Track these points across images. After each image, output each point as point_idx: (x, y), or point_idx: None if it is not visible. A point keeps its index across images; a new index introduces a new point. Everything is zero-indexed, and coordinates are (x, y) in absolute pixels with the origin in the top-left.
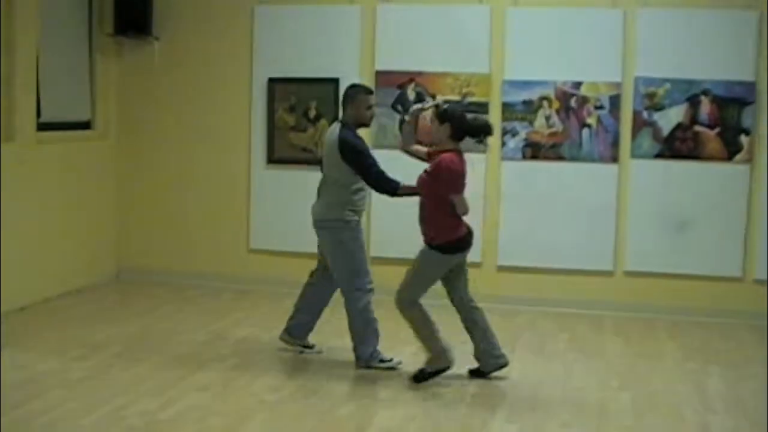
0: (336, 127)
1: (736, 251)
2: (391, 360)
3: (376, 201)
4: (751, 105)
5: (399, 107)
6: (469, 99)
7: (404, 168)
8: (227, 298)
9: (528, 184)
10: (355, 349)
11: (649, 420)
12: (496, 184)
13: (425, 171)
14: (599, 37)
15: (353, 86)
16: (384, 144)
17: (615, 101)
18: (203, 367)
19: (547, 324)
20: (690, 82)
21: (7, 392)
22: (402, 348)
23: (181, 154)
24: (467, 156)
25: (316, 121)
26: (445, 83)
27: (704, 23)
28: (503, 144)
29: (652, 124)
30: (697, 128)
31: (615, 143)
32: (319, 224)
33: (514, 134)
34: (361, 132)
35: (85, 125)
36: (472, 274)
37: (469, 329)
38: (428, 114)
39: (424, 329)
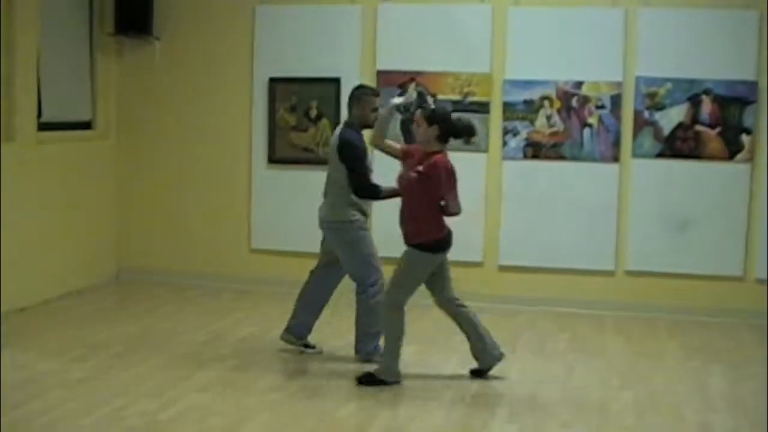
0: (340, 127)
1: (737, 251)
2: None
3: (380, 201)
4: (752, 104)
5: (400, 107)
6: (470, 99)
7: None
8: (228, 298)
9: (529, 184)
10: (358, 342)
11: (650, 419)
12: (497, 183)
13: (417, 171)
14: (600, 36)
15: (359, 87)
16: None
17: (616, 101)
18: (203, 367)
19: (548, 323)
20: (691, 82)
21: (8, 392)
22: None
23: (181, 154)
24: (463, 155)
25: (317, 120)
26: (446, 83)
27: (705, 23)
28: (504, 143)
29: (653, 124)
30: (698, 128)
31: (616, 143)
32: (326, 225)
33: (515, 134)
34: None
35: (86, 125)
36: (472, 273)
37: (462, 328)
38: None
39: (394, 339)
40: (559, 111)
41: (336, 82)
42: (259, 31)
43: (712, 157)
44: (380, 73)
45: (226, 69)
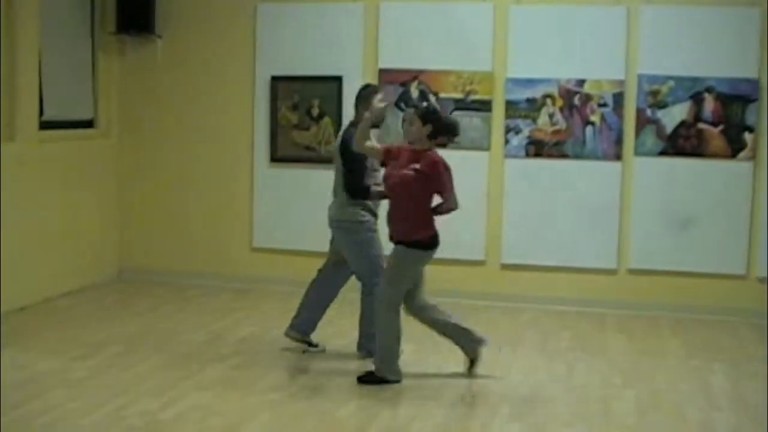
0: (344, 127)
1: (739, 249)
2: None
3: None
4: (755, 102)
5: (402, 105)
6: (473, 97)
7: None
8: (229, 298)
9: (531, 182)
10: (361, 338)
11: (653, 418)
12: (499, 182)
13: (414, 170)
14: (602, 34)
15: (367, 87)
16: (387, 142)
17: (618, 99)
18: (204, 366)
19: (550, 322)
20: (694, 80)
21: (8, 392)
22: (409, 344)
23: (183, 152)
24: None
25: (319, 119)
26: (448, 81)
27: (708, 20)
28: (507, 142)
29: (655, 122)
30: (701, 126)
31: (618, 141)
32: (335, 224)
33: (518, 132)
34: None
35: (88, 124)
36: (475, 272)
37: (440, 330)
38: None
39: (393, 338)
40: (561, 109)
41: (338, 80)
42: (261, 30)
43: (714, 156)
44: (382, 72)
45: (227, 67)
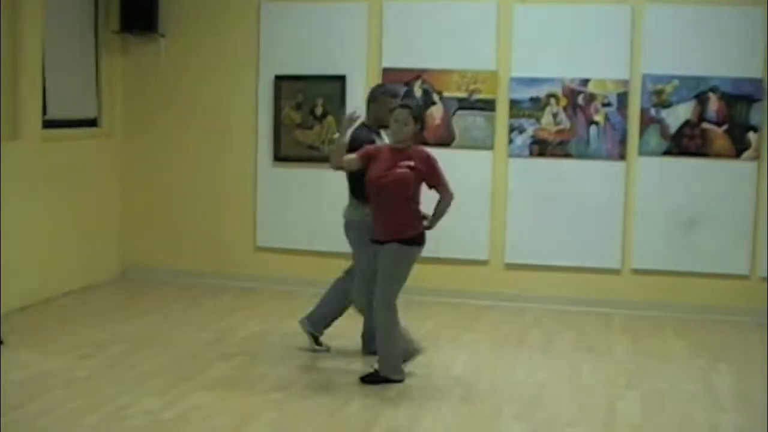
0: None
1: (743, 249)
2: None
3: None
4: (759, 102)
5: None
6: (476, 96)
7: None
8: (233, 297)
9: (535, 182)
10: (365, 339)
11: (657, 418)
12: (503, 181)
13: (409, 167)
14: (607, 33)
15: (379, 87)
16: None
17: (622, 98)
18: (208, 366)
19: (554, 322)
20: (698, 79)
21: (10, 391)
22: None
23: (187, 151)
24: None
25: (323, 118)
26: (451, 80)
27: (712, 20)
28: (510, 141)
29: (659, 122)
30: (705, 125)
31: (622, 140)
32: (345, 224)
33: (521, 131)
34: None
35: (91, 123)
36: (478, 272)
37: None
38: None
39: (393, 337)
40: (565, 108)
41: (341, 79)
42: (265, 29)
43: (718, 155)
44: (386, 71)
45: (231, 66)
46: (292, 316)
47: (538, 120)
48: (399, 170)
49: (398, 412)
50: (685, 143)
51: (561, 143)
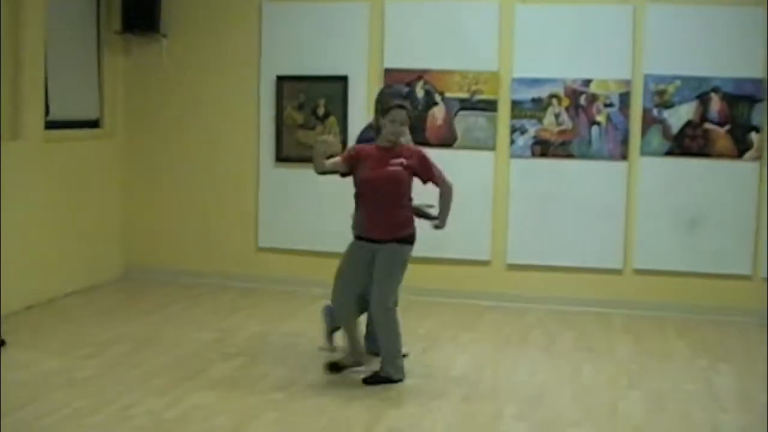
0: (363, 129)
1: (745, 249)
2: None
3: None
4: (761, 102)
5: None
6: (478, 97)
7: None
8: (234, 297)
9: (537, 182)
10: (369, 337)
11: (659, 419)
12: (504, 181)
13: (402, 166)
14: (608, 34)
15: (388, 88)
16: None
17: (624, 99)
18: (210, 365)
19: (556, 322)
20: (700, 80)
21: (13, 391)
22: (415, 344)
23: (189, 152)
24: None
25: (325, 118)
26: (453, 81)
27: (714, 20)
28: (512, 142)
29: (661, 122)
30: (707, 126)
31: (624, 141)
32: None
33: (523, 132)
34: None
35: (93, 123)
36: (480, 272)
37: (353, 328)
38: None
39: (394, 336)
40: (567, 109)
41: (343, 80)
42: (266, 29)
43: (720, 156)
44: (387, 71)
45: (232, 67)
46: (293, 316)
47: (540, 120)
48: (392, 168)
49: (399, 412)
50: (687, 143)
51: (563, 144)
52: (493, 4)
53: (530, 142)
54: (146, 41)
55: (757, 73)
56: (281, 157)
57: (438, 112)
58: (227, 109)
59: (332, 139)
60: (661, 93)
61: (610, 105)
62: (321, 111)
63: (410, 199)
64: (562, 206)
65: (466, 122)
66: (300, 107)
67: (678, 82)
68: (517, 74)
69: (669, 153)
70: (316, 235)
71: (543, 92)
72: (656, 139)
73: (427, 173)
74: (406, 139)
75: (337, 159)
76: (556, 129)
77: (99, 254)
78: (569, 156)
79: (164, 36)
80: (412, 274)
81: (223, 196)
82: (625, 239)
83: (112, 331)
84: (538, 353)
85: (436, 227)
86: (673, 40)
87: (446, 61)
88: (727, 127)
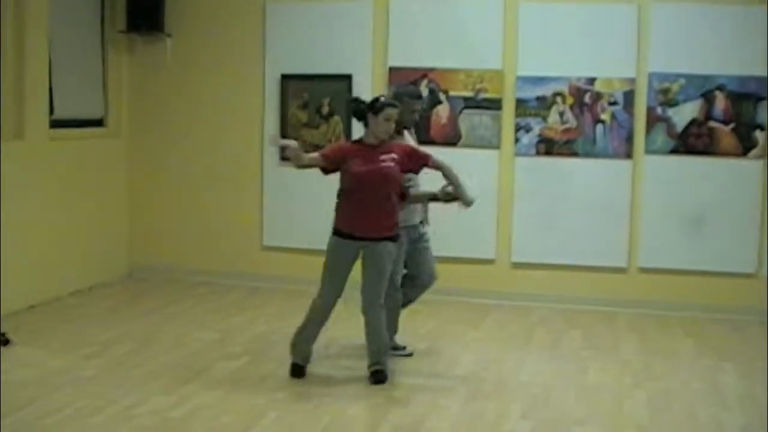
0: None
1: (750, 247)
2: (404, 348)
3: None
4: (766, 100)
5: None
6: (482, 95)
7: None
8: (239, 296)
9: (541, 181)
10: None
11: (664, 417)
12: (509, 180)
13: (393, 161)
14: (613, 32)
15: (401, 88)
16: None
17: (629, 97)
18: (215, 365)
19: (561, 321)
20: (705, 78)
21: (15, 391)
22: (419, 343)
23: (193, 151)
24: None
25: (329, 117)
26: (457, 79)
27: (719, 18)
28: (517, 140)
29: (666, 120)
30: (712, 124)
31: (629, 139)
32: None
33: (528, 130)
34: None
35: (98, 123)
36: (485, 270)
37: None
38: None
39: (385, 331)
40: (571, 107)
41: (348, 78)
42: (270, 28)
43: (725, 154)
44: (392, 70)
45: (237, 66)
46: (298, 316)
47: (544, 119)
48: (385, 165)
49: (404, 411)
50: (691, 142)
51: (567, 142)
52: (497, 3)
53: (535, 140)
54: (150, 41)
55: (762, 71)
56: (286, 156)
57: (442, 111)
58: (232, 108)
59: (285, 142)
60: (665, 91)
61: (615, 103)
62: (325, 110)
63: (398, 197)
64: (567, 204)
65: (470, 121)
66: (304, 106)
67: (682, 81)
68: (521, 73)
69: (673, 151)
70: (321, 233)
71: (547, 90)
72: (661, 138)
73: (421, 160)
74: (412, 138)
75: (315, 154)
76: (561, 127)
77: (103, 253)
78: (574, 154)
79: (168, 35)
80: None
81: (227, 194)
82: (629, 238)
83: (116, 331)
84: (543, 352)
85: (467, 205)
86: (677, 38)
87: (451, 59)
88: (732, 125)
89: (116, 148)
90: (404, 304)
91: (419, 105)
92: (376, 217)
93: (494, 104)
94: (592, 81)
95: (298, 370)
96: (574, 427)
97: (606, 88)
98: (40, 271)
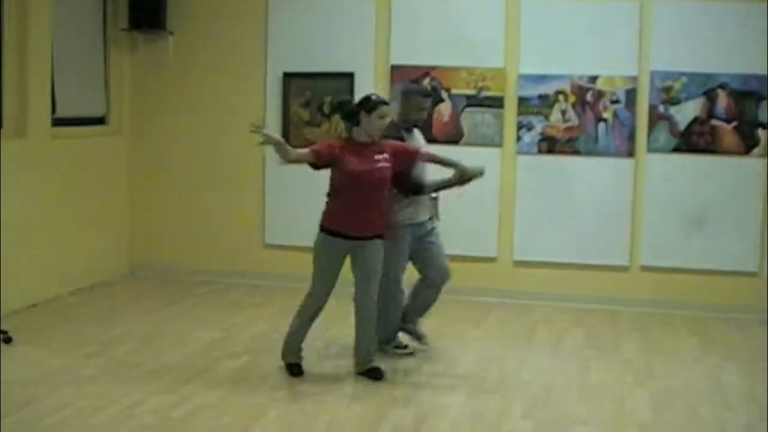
0: None
1: (752, 246)
2: (406, 347)
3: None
4: (767, 99)
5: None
6: (484, 93)
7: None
8: (241, 294)
9: (543, 179)
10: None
11: (666, 416)
12: (511, 178)
13: (386, 160)
14: (615, 30)
15: (408, 85)
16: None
17: (631, 95)
18: (216, 364)
19: (563, 319)
20: (707, 76)
21: (16, 390)
22: (417, 344)
23: (195, 149)
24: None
25: (331, 115)
26: (459, 77)
27: (721, 16)
28: (519, 138)
29: (668, 118)
30: (714, 122)
31: (631, 137)
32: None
33: (530, 128)
34: None
35: (99, 121)
36: (486, 269)
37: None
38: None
39: (374, 329)
40: (573, 105)
41: (350, 76)
42: (272, 26)
43: (727, 152)
44: (394, 68)
45: (239, 64)
46: None
47: (546, 117)
48: (381, 165)
49: (406, 410)
50: (693, 140)
51: (569, 140)
52: (499, 1)
53: (537, 138)
54: (153, 39)
55: (764, 69)
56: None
57: (444, 109)
58: (233, 106)
59: (270, 135)
60: (667, 89)
61: (617, 101)
62: (327, 108)
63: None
64: (569, 203)
65: (472, 119)
66: (306, 104)
67: (684, 79)
68: (523, 71)
69: (676, 150)
70: None
71: (549, 89)
72: (663, 136)
73: (411, 156)
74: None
75: (305, 150)
76: (563, 125)
77: (104, 252)
78: (576, 153)
79: (171, 33)
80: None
81: (229, 193)
82: (631, 236)
83: (116, 330)
84: (545, 350)
85: (481, 174)
86: (679, 36)
87: (453, 57)
88: (734, 123)
89: (118, 147)
90: (408, 316)
91: (428, 103)
92: (370, 216)
93: (496, 102)
94: (594, 79)
95: (296, 369)
96: (576, 426)
97: (608, 86)
98: (41, 270)
